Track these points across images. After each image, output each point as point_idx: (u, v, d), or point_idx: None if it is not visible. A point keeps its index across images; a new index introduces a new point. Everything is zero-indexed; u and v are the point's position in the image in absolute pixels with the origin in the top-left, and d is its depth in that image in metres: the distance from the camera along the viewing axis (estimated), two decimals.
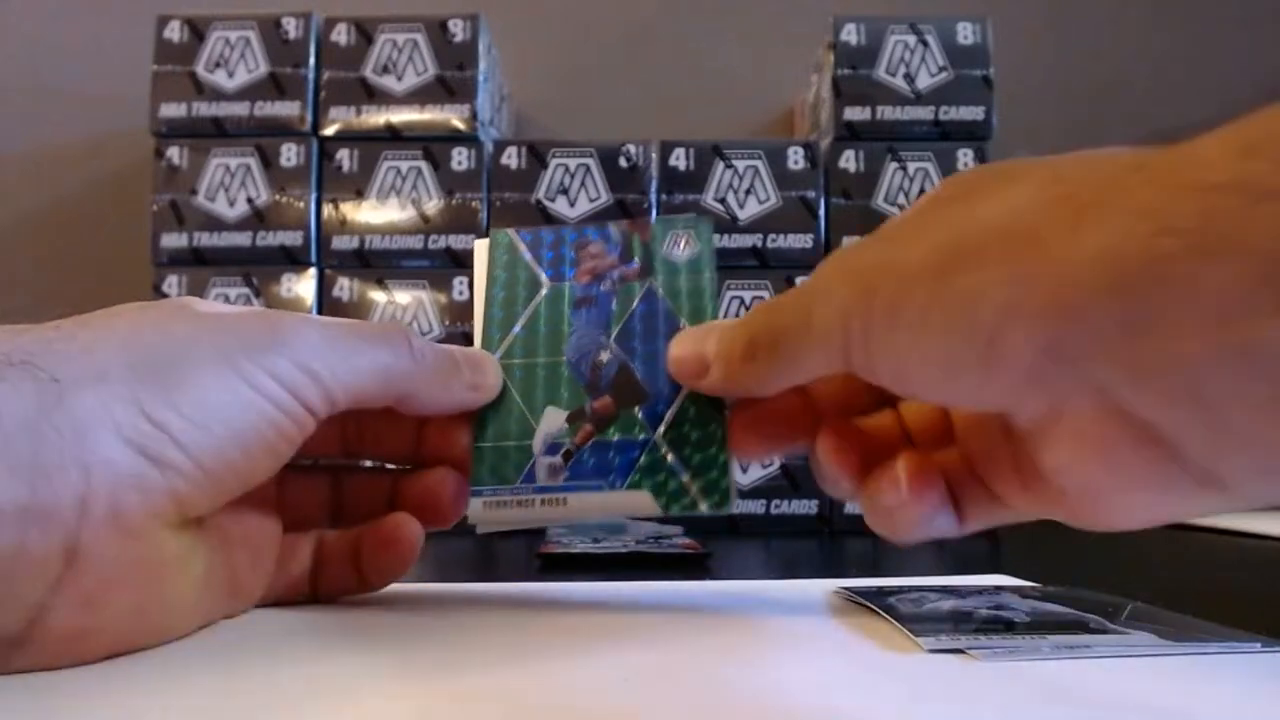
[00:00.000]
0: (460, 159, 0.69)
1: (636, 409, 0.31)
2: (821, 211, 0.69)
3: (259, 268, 0.68)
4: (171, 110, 0.69)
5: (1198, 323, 0.15)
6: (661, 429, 0.30)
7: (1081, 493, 0.21)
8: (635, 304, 0.32)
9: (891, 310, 0.21)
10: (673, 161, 0.69)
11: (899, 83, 0.71)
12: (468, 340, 0.67)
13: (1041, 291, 0.17)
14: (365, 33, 0.70)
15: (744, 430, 0.30)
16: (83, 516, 0.21)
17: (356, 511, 0.32)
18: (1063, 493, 0.22)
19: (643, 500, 0.29)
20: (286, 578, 0.30)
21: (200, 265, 0.68)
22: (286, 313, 0.27)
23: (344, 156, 0.69)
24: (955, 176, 0.23)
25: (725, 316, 0.68)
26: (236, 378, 0.24)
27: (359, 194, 0.69)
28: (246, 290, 0.67)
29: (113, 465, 0.22)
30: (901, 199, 0.69)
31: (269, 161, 0.69)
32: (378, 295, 0.68)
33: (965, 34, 0.71)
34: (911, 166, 0.70)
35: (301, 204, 0.68)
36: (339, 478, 0.32)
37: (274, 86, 0.69)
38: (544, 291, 0.33)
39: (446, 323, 0.67)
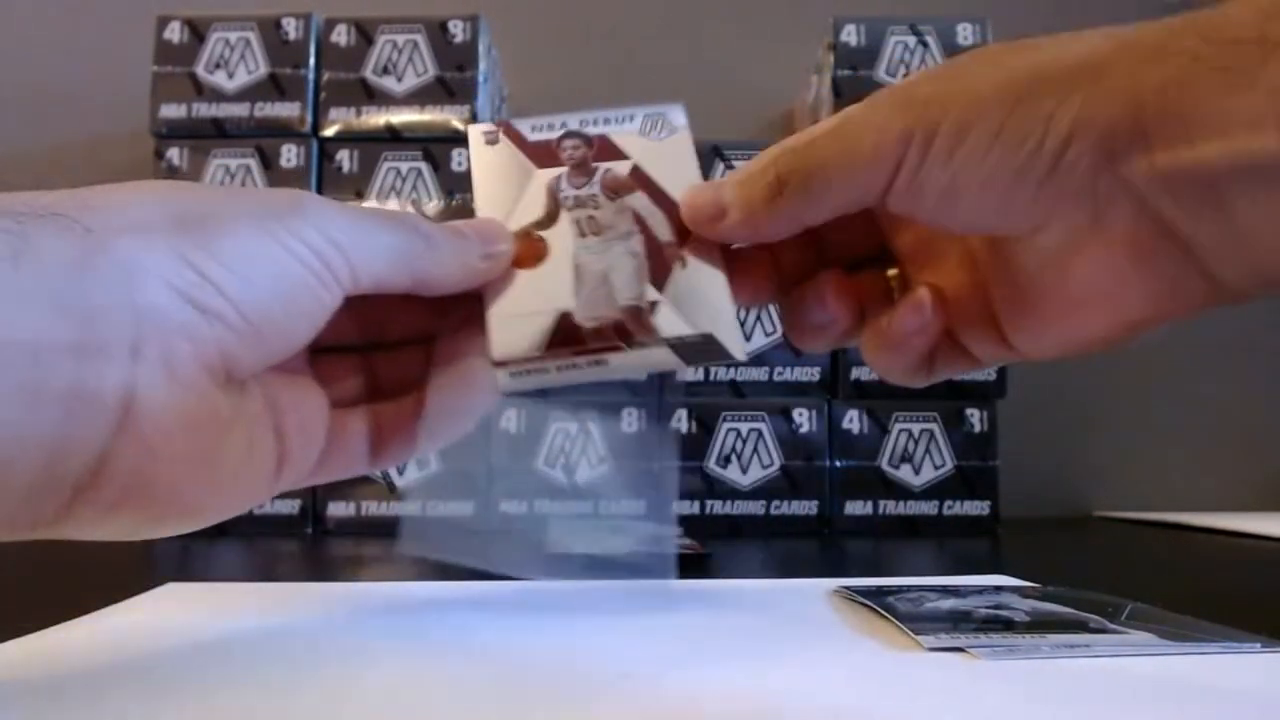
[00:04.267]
0: (460, 160, 0.69)
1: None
2: None
3: None
4: (172, 111, 0.69)
5: (1222, 139, 0.20)
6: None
7: (1088, 301, 0.24)
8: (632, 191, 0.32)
9: (959, 131, 0.23)
10: None
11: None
12: None
13: (1110, 110, 0.22)
14: (365, 33, 0.70)
15: (746, 275, 0.30)
16: (135, 360, 0.21)
17: (393, 387, 0.31)
18: (1065, 306, 0.25)
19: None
20: (342, 451, 0.29)
21: None
22: (307, 192, 0.27)
23: (344, 157, 0.69)
24: (995, 44, 0.26)
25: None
26: (271, 239, 0.24)
27: (359, 194, 0.69)
28: None
29: (162, 312, 0.21)
30: None
31: (269, 162, 0.69)
32: None
33: (965, 34, 0.71)
34: None
35: None
36: (367, 359, 0.32)
37: (274, 87, 0.69)
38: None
39: None
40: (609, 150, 0.33)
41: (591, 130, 0.33)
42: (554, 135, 0.33)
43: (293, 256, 0.24)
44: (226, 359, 0.23)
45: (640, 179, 0.32)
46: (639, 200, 0.31)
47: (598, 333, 0.28)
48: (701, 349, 0.28)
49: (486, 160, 0.33)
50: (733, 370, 0.67)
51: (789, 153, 0.27)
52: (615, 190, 0.31)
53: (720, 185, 0.29)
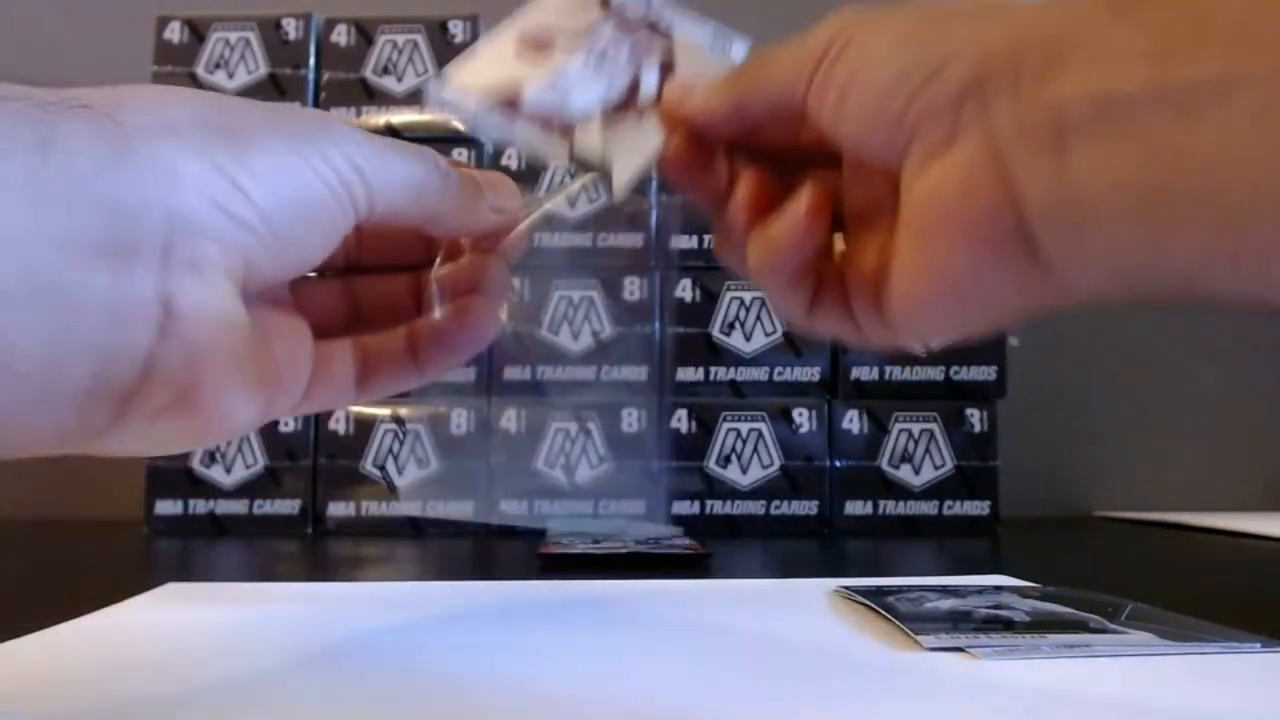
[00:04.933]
0: (460, 159, 0.69)
1: None
2: None
3: None
4: None
5: (1087, 74, 0.19)
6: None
7: (918, 236, 0.23)
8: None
9: (874, 36, 0.24)
10: None
11: None
12: None
13: (994, 36, 0.21)
14: (365, 34, 0.70)
15: (682, 156, 0.30)
16: (167, 262, 0.21)
17: (375, 316, 0.31)
18: (902, 253, 0.24)
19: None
20: (327, 381, 0.29)
21: None
22: (328, 114, 0.26)
23: None
24: None
25: (725, 318, 0.68)
26: (299, 157, 0.24)
27: None
28: None
29: (193, 215, 0.21)
30: None
31: None
32: None
33: None
34: None
35: None
36: (348, 285, 0.32)
37: (274, 87, 0.69)
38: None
39: None
40: (661, 37, 0.35)
41: (665, 20, 0.35)
42: (639, 8, 0.35)
43: (317, 176, 0.24)
44: (249, 267, 0.23)
45: (664, 57, 0.33)
46: (648, 65, 0.33)
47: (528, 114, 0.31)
48: (596, 178, 0.31)
49: None
50: (733, 370, 0.67)
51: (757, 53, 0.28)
52: (637, 50, 0.33)
53: (699, 82, 0.30)
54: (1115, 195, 0.18)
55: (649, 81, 0.32)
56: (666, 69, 0.33)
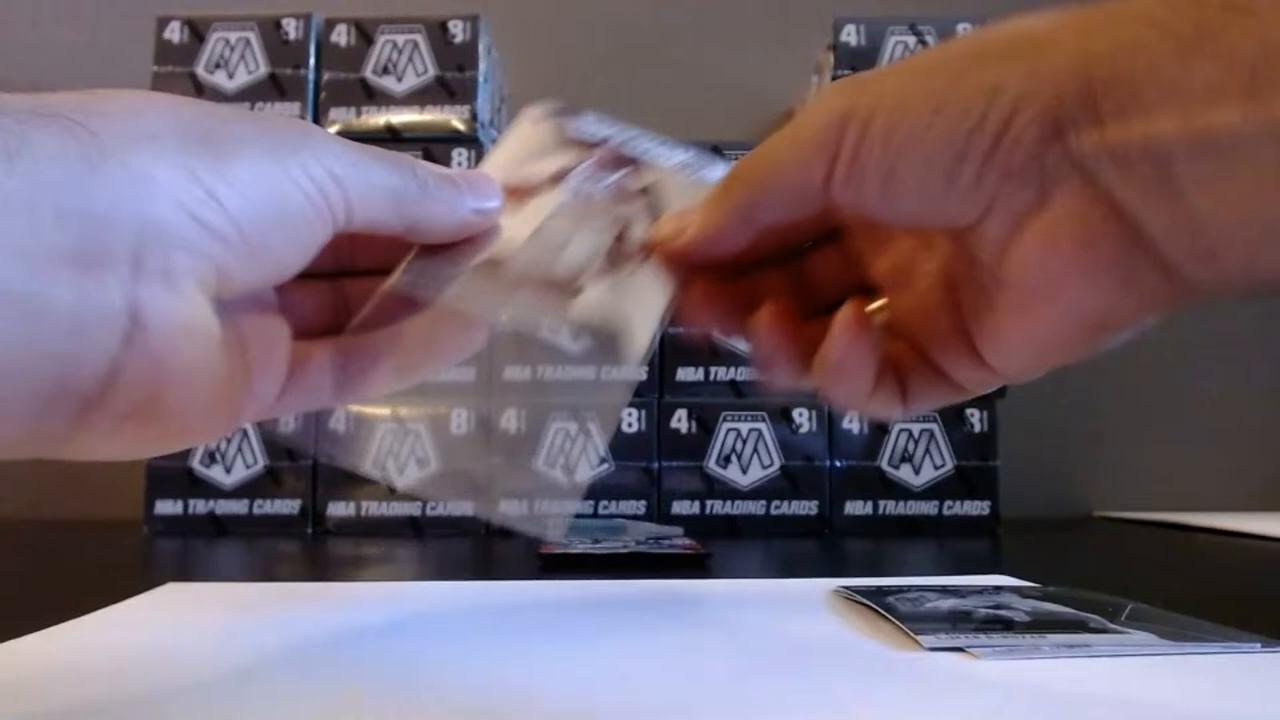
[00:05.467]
0: (460, 160, 0.69)
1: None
2: None
3: None
4: None
5: (1178, 110, 0.18)
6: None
7: (1038, 291, 0.22)
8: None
9: (899, 108, 0.22)
10: None
11: None
12: None
13: (1056, 79, 0.20)
14: (365, 34, 0.70)
15: (695, 298, 0.29)
16: (137, 271, 0.20)
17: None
18: (1019, 302, 0.23)
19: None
20: (304, 383, 0.28)
21: None
22: (313, 124, 0.26)
23: None
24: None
25: None
26: (278, 166, 0.24)
27: None
28: None
29: (165, 224, 0.21)
30: None
31: None
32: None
33: (965, 34, 0.71)
34: None
35: None
36: (337, 287, 0.31)
37: (274, 87, 0.69)
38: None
39: None
40: (639, 168, 0.33)
41: (635, 150, 0.33)
42: (600, 136, 0.33)
43: (296, 187, 0.24)
44: (222, 277, 0.23)
45: (648, 196, 0.32)
46: (633, 208, 0.31)
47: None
48: (603, 344, 0.28)
49: (524, 130, 0.33)
50: (733, 370, 0.67)
51: (744, 156, 0.27)
52: (620, 195, 0.31)
53: (690, 210, 0.29)
54: (1245, 227, 0.19)
55: (639, 222, 0.30)
56: (647, 199, 0.31)
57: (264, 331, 0.27)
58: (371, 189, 0.26)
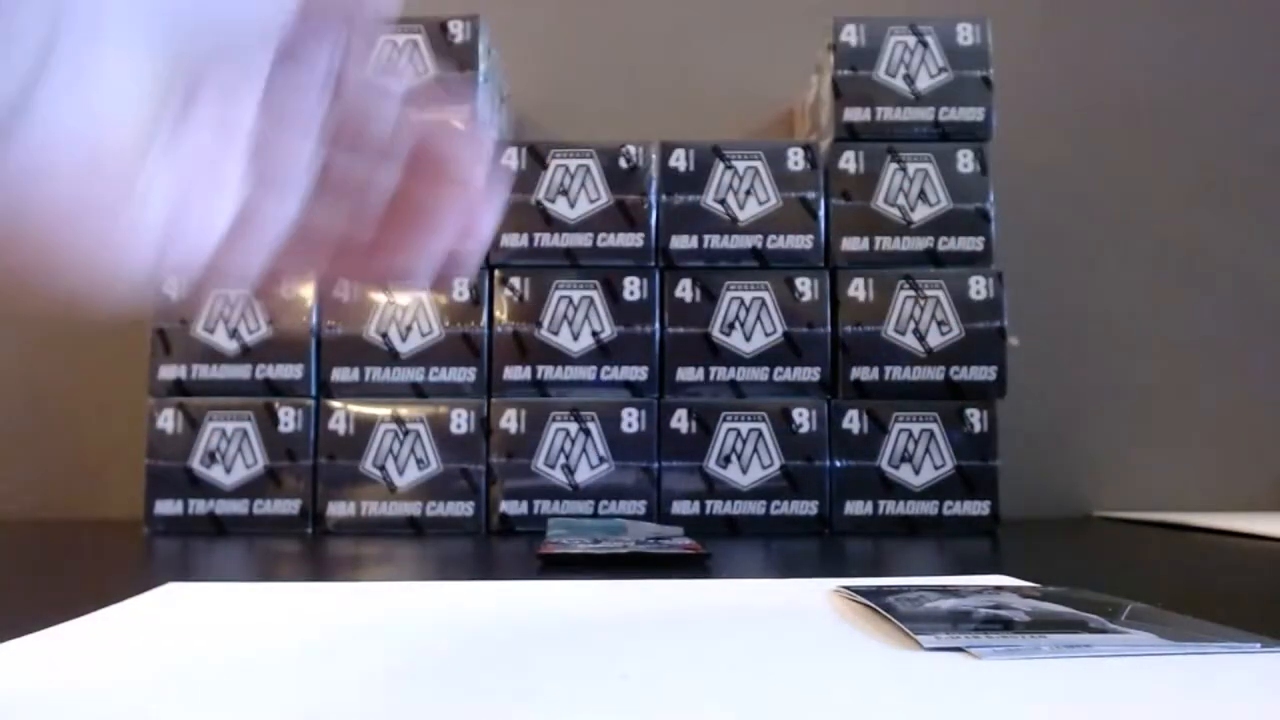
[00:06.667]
0: None
1: None
2: (821, 212, 0.69)
3: None
4: None
5: None
6: None
7: None
8: None
9: None
10: (673, 162, 0.69)
11: (899, 84, 0.71)
12: (468, 344, 0.67)
13: None
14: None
15: None
16: (44, 61, 0.16)
17: (345, 193, 0.25)
18: None
19: None
20: (241, 248, 0.22)
21: None
22: None
23: None
24: None
25: (725, 318, 0.68)
26: None
27: None
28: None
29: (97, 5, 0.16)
30: (901, 200, 0.69)
31: None
32: (378, 295, 0.68)
33: (965, 35, 0.71)
34: (911, 167, 0.70)
35: None
36: (329, 156, 0.25)
37: None
38: None
39: (446, 323, 0.67)
40: None
41: None
42: None
43: None
44: (166, 64, 0.18)
45: None
46: None
47: None
48: None
49: None
50: (733, 370, 0.67)
51: None
52: None
53: None
54: None
55: None
56: None
57: (210, 165, 0.20)
58: None
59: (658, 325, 0.68)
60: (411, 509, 0.66)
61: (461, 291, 0.68)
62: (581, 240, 0.68)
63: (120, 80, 0.17)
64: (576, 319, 0.67)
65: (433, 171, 0.26)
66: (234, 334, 0.67)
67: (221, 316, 0.67)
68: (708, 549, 0.50)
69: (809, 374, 0.68)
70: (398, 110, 0.26)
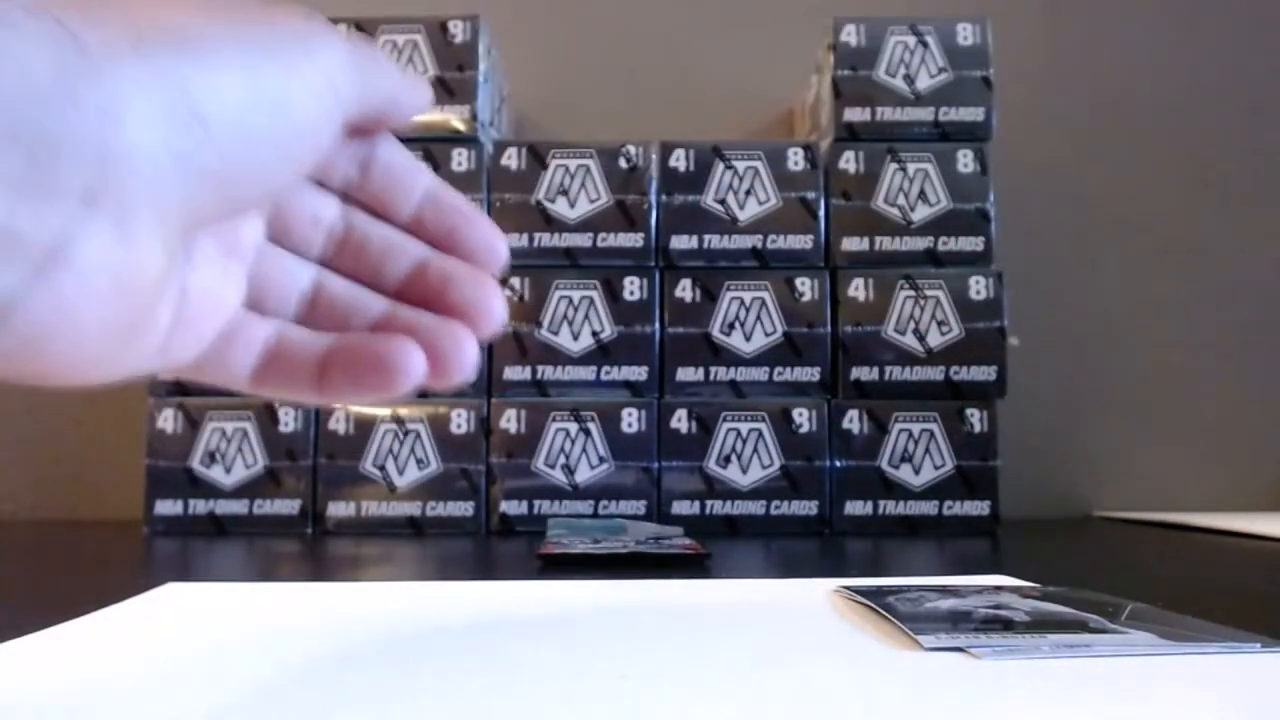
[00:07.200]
0: (460, 160, 0.69)
1: None
2: (821, 212, 0.69)
3: None
4: None
5: None
6: None
7: None
8: None
9: None
10: (673, 162, 0.69)
11: (899, 84, 0.71)
12: None
13: None
14: (365, 33, 0.70)
15: None
16: (86, 206, 0.18)
17: (329, 318, 0.27)
18: None
19: None
20: (226, 357, 0.26)
21: None
22: (319, 24, 0.24)
23: None
24: None
25: (725, 318, 0.68)
26: (278, 73, 0.22)
27: None
28: None
29: (132, 155, 0.19)
30: (901, 200, 0.69)
31: None
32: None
33: (965, 35, 0.71)
34: (911, 168, 0.70)
35: None
36: (324, 278, 0.28)
37: None
38: None
39: None
40: None
41: None
42: None
43: (291, 99, 0.22)
44: (190, 215, 0.20)
45: None
46: None
47: None
48: None
49: None
50: (733, 370, 0.67)
51: None
52: None
53: None
54: None
55: None
56: None
57: (208, 288, 0.24)
58: (370, 90, 0.25)
59: (658, 325, 0.68)
60: (411, 509, 0.66)
61: None
62: (581, 240, 0.68)
63: (152, 222, 0.19)
64: (576, 319, 0.67)
65: (451, 251, 0.28)
66: None
67: None
68: (708, 549, 0.50)
69: (809, 374, 0.68)
70: (422, 191, 0.28)
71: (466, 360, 0.26)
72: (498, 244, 0.28)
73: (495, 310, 0.27)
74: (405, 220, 0.28)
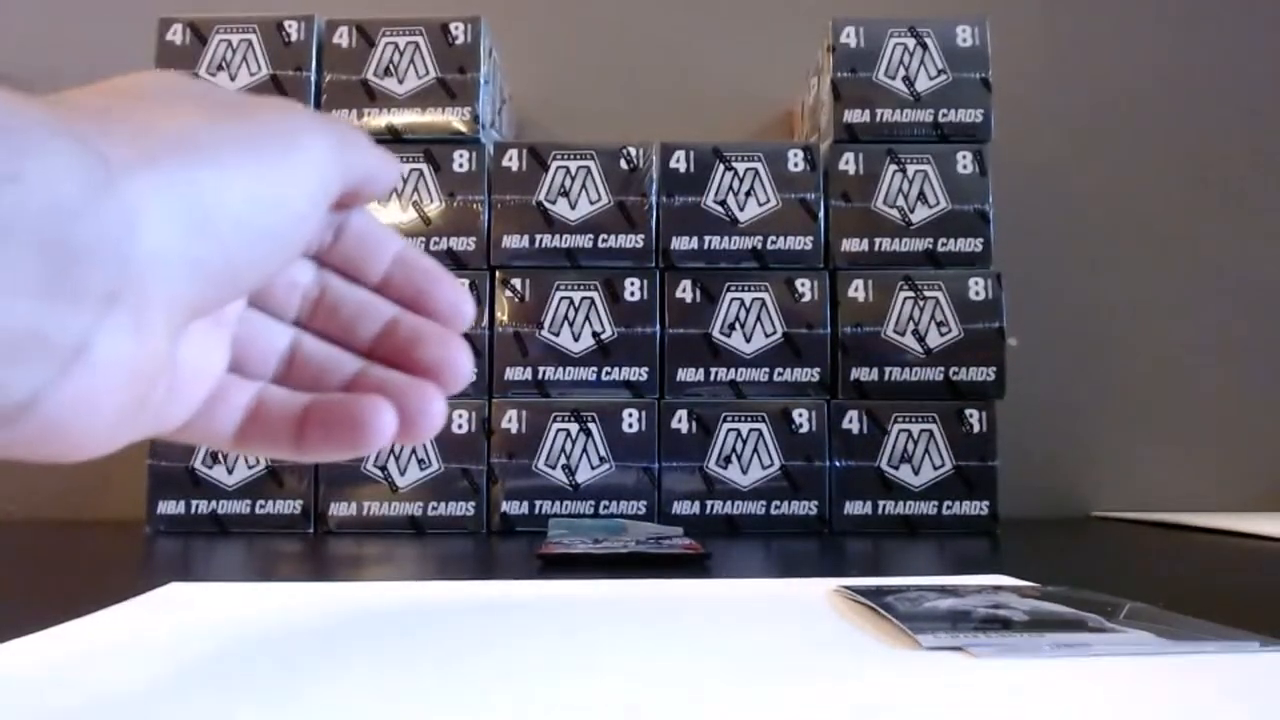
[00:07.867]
0: (461, 161, 0.69)
1: None
2: (821, 213, 0.69)
3: None
4: None
5: None
6: None
7: None
8: None
9: None
10: (673, 164, 0.70)
11: (898, 85, 0.71)
12: (469, 344, 0.67)
13: None
14: (367, 35, 0.71)
15: None
16: (108, 309, 0.19)
17: (305, 377, 0.29)
18: None
19: None
20: (211, 420, 0.27)
21: None
22: (302, 115, 0.25)
23: None
24: None
25: (725, 319, 0.68)
26: (273, 172, 0.23)
27: None
28: None
29: (149, 263, 0.20)
30: (901, 201, 0.70)
31: None
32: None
33: (964, 36, 0.72)
34: (911, 169, 0.70)
35: None
36: (300, 339, 0.29)
37: (276, 89, 0.70)
38: None
39: None
40: None
41: None
42: None
43: (285, 197, 0.23)
44: (196, 304, 0.22)
45: None
46: None
47: None
48: None
49: None
50: (733, 370, 0.68)
51: None
52: None
53: None
54: None
55: None
56: None
57: (201, 357, 0.26)
58: (352, 169, 0.26)
59: (658, 326, 0.68)
60: (412, 509, 0.66)
61: None
62: (582, 241, 0.68)
63: (163, 315, 0.21)
64: (577, 319, 0.68)
65: (420, 312, 0.29)
66: None
67: None
68: (708, 549, 0.50)
69: (809, 374, 0.68)
70: (392, 254, 0.30)
71: (434, 417, 0.27)
72: (464, 305, 0.29)
73: (462, 368, 0.28)
74: (376, 282, 0.29)
